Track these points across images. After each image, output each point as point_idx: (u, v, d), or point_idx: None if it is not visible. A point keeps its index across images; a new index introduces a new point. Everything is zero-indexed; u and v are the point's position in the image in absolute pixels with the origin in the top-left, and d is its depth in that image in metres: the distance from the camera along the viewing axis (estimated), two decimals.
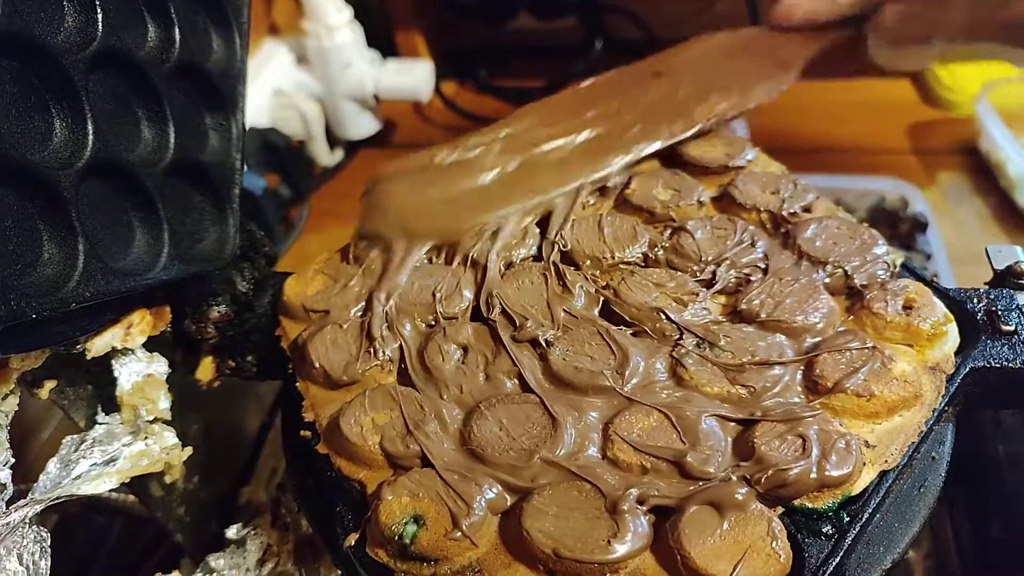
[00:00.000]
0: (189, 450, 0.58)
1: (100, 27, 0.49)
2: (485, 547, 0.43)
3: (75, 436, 0.55)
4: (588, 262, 0.58)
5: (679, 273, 0.57)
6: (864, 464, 0.45)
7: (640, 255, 0.59)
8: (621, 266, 0.58)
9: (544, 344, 0.52)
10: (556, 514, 0.43)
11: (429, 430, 0.48)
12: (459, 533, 0.43)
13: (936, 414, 0.48)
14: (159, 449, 0.55)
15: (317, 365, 0.53)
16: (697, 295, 0.54)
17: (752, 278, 0.56)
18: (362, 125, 1.37)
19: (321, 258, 0.63)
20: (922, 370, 0.50)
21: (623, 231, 0.60)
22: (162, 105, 0.55)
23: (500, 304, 0.55)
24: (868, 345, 0.49)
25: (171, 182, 0.56)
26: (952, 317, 0.53)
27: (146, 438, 0.55)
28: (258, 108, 1.25)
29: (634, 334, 0.53)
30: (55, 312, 0.44)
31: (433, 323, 0.56)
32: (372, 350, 0.53)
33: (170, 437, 0.57)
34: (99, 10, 0.49)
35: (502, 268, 0.59)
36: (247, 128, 1.18)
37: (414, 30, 1.48)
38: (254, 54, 1.27)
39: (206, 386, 0.63)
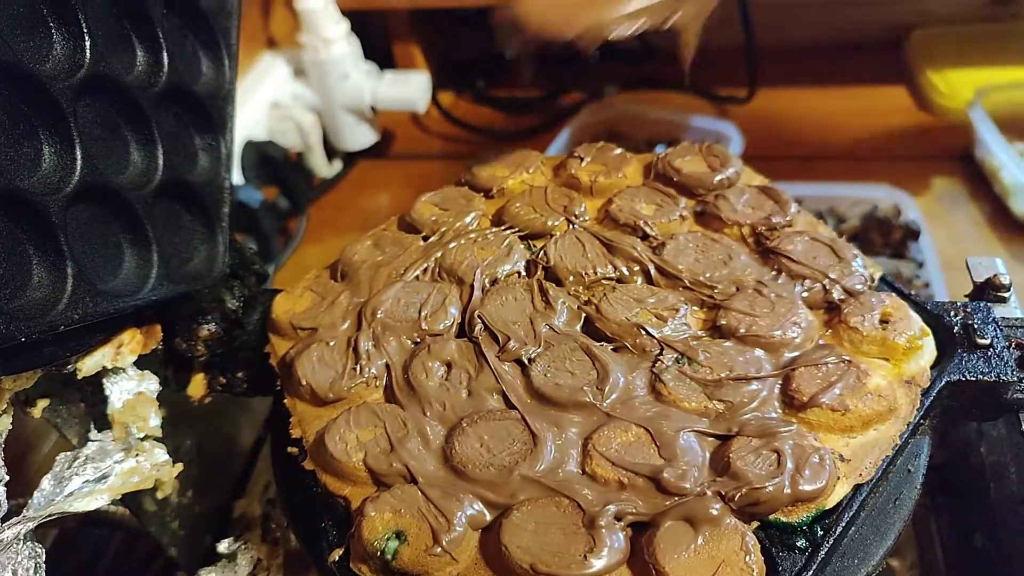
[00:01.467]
0: (180, 467, 0.59)
1: (88, 54, 0.50)
2: (465, 562, 0.44)
3: (68, 453, 0.56)
4: (571, 278, 0.59)
5: (660, 289, 0.58)
6: (838, 478, 0.46)
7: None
8: (603, 282, 0.59)
9: (526, 360, 0.53)
10: (534, 530, 0.43)
11: (411, 447, 0.49)
12: (439, 549, 0.43)
13: (911, 427, 0.49)
14: (149, 466, 0.56)
15: (304, 382, 0.54)
16: (677, 311, 0.55)
17: (731, 293, 0.56)
18: (360, 136, 1.38)
19: (310, 275, 0.64)
20: (897, 384, 0.51)
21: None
22: (151, 128, 0.56)
23: (483, 322, 0.56)
24: (843, 359, 0.50)
25: (160, 203, 0.56)
26: (928, 331, 0.54)
27: (137, 455, 0.56)
28: (256, 121, 1.26)
29: (615, 349, 0.54)
30: (45, 335, 0.45)
31: (418, 340, 0.56)
32: (358, 367, 0.54)
33: (160, 454, 0.57)
34: (87, 37, 0.50)
35: (487, 284, 0.59)
36: (245, 141, 1.20)
37: (411, 41, 1.49)
38: (252, 68, 1.28)
39: (198, 402, 0.64)
